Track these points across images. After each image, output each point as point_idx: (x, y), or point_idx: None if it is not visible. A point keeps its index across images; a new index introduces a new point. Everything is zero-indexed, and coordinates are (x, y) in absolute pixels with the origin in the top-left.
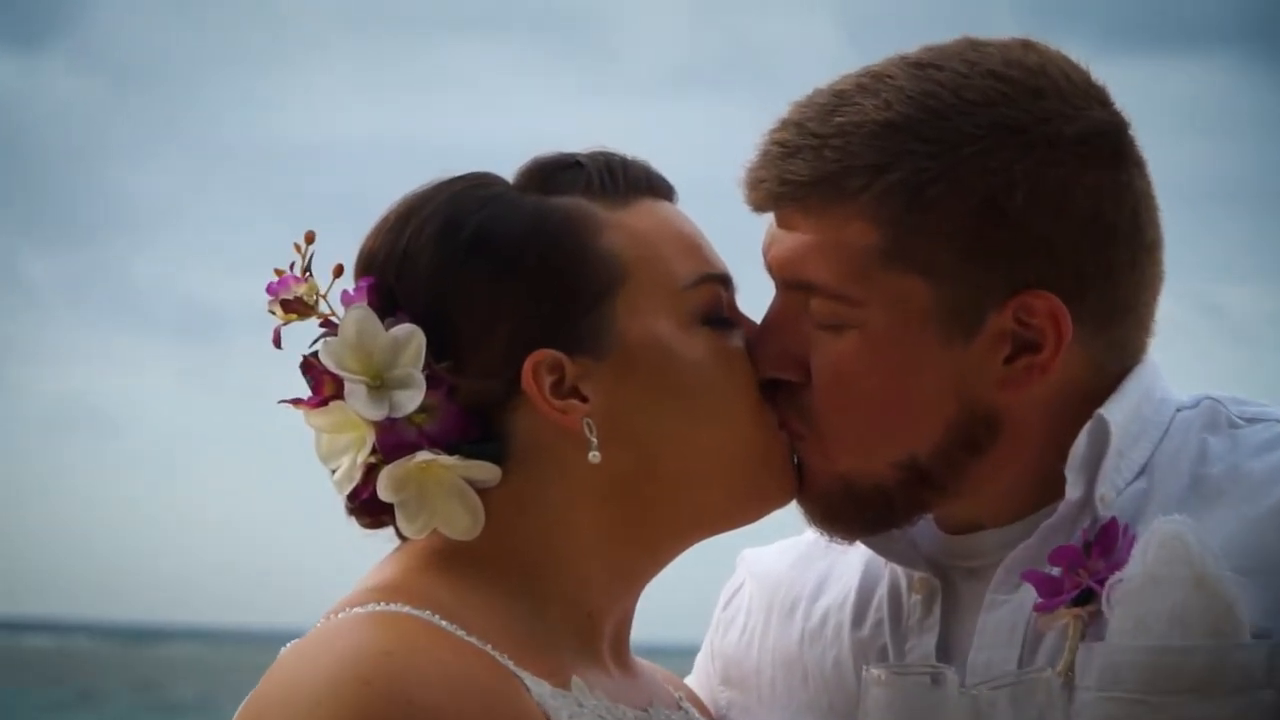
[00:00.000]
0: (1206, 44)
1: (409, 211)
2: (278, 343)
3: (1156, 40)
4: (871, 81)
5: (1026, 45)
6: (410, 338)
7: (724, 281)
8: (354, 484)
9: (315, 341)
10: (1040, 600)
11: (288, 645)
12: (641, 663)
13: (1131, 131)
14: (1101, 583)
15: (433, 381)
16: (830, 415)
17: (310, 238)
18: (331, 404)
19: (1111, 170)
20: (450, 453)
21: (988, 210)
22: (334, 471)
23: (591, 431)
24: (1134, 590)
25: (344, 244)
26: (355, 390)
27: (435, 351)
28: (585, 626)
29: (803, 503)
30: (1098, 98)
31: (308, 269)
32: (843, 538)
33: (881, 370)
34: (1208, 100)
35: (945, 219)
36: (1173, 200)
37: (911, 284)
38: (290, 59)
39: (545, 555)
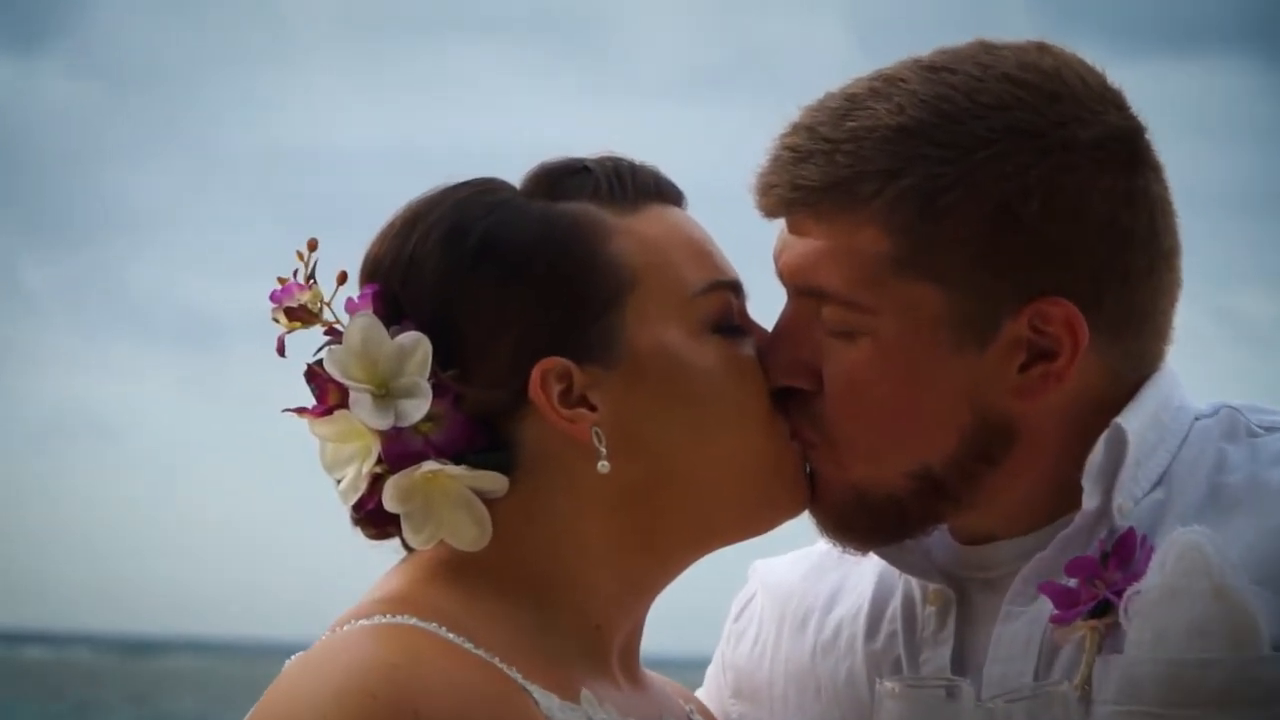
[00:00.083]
0: (1212, 47)
1: (414, 217)
2: (282, 351)
3: (1162, 43)
4: (884, 85)
5: (1041, 48)
6: (416, 346)
7: (734, 288)
8: (359, 494)
9: (320, 349)
10: (1057, 612)
11: (293, 657)
12: (652, 675)
13: (1148, 136)
14: (1119, 594)
15: (439, 390)
16: (842, 424)
17: (313, 245)
18: (336, 413)
19: (1128, 175)
20: (457, 462)
21: (1002, 216)
22: (339, 481)
23: (600, 441)
24: (1152, 602)
25: (344, 246)
26: (360, 399)
27: (441, 360)
28: (594, 638)
29: (815, 513)
30: (1114, 101)
31: (311, 276)
32: (855, 548)
33: (894, 378)
34: (1213, 104)
35: (959, 225)
36: (1179, 204)
37: (924, 291)
38: (290, 61)
39: (553, 566)
